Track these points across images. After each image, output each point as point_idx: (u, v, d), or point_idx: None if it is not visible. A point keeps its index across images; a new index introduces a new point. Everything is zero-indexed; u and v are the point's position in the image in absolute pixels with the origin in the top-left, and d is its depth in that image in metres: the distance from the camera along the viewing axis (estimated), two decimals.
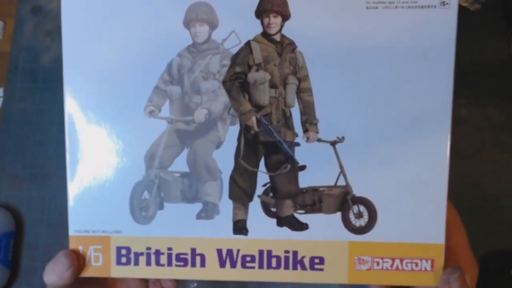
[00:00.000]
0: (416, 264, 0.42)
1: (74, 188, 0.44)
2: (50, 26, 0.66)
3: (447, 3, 0.41)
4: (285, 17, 0.43)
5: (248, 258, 0.44)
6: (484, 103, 0.62)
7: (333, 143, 0.43)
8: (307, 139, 0.43)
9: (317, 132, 0.43)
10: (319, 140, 0.43)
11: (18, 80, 0.64)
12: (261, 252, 0.44)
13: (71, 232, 0.45)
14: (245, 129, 0.44)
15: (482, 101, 0.62)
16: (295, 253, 0.43)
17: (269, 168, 0.44)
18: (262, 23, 0.43)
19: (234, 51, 0.43)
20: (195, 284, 0.59)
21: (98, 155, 0.44)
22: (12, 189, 0.62)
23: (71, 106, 0.44)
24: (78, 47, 0.44)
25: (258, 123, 0.44)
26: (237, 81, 0.43)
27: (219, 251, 0.44)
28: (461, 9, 0.62)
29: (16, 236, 0.60)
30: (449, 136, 0.42)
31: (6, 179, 0.63)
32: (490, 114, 0.61)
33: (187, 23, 0.43)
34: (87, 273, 0.44)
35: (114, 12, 0.43)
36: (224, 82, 0.43)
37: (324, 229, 0.43)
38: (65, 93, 0.44)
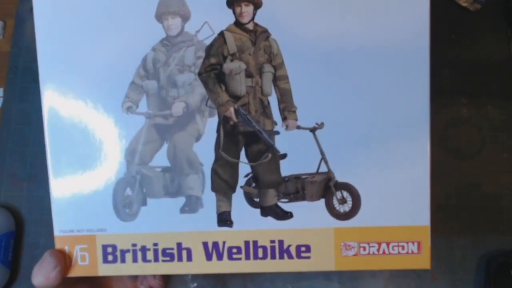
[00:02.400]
0: (403, 247, 0.42)
1: (56, 188, 0.44)
2: None
3: None
4: (257, 5, 0.42)
5: (234, 250, 0.43)
6: (484, 103, 0.61)
7: (312, 130, 0.42)
8: (286, 127, 0.43)
9: (296, 120, 0.42)
10: (298, 127, 0.42)
11: (18, 80, 0.64)
12: (247, 243, 0.43)
13: (56, 232, 0.45)
14: (223, 121, 0.43)
15: (482, 101, 0.61)
16: (281, 242, 0.43)
17: (250, 158, 0.44)
18: (234, 12, 0.43)
19: (208, 42, 0.43)
20: (195, 284, 0.59)
21: (78, 154, 0.44)
22: (12, 189, 0.62)
23: (49, 106, 0.44)
24: (52, 45, 0.43)
25: (237, 114, 0.43)
26: (212, 72, 0.43)
27: (205, 244, 0.44)
28: (461, 9, 0.62)
29: (16, 236, 0.60)
30: (428, 117, 0.41)
31: (6, 179, 0.62)
32: (490, 114, 0.61)
33: (159, 17, 0.43)
34: (74, 273, 0.44)
35: (86, 9, 0.43)
36: (200, 74, 0.43)
37: (308, 217, 0.43)
38: (42, 92, 0.44)
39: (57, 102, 0.44)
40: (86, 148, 0.44)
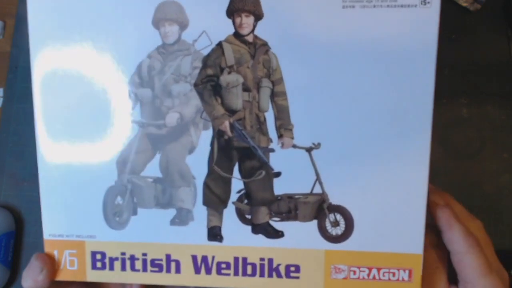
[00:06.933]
0: (394, 274, 0.41)
1: (46, 192, 0.44)
2: None
3: (428, 2, 0.38)
4: (258, 16, 0.40)
5: (223, 265, 0.43)
6: (484, 103, 0.60)
7: (308, 150, 0.41)
8: (282, 145, 0.41)
9: (292, 138, 0.41)
10: (294, 146, 0.41)
11: (18, 80, 0.64)
12: (236, 259, 0.43)
13: (45, 236, 0.44)
14: (218, 134, 0.42)
15: (482, 101, 0.60)
16: (270, 261, 0.42)
17: (244, 174, 0.43)
18: (233, 23, 0.41)
19: (206, 52, 0.41)
20: None
21: (69, 159, 0.43)
22: (12, 189, 0.63)
23: (41, 111, 0.43)
24: (45, 50, 0.42)
25: (232, 128, 0.42)
26: (209, 84, 0.42)
27: (194, 258, 0.43)
28: (461, 9, 0.61)
29: (16, 236, 0.61)
30: (429, 143, 0.40)
31: (6, 179, 0.63)
32: (490, 114, 0.60)
33: (156, 23, 0.41)
34: (62, 277, 0.44)
35: (81, 12, 0.42)
36: (196, 85, 0.42)
37: (300, 237, 0.42)
38: (34, 98, 0.43)
39: (48, 107, 0.43)
40: (77, 153, 0.43)
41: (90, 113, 0.42)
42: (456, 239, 0.40)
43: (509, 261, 0.54)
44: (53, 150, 0.43)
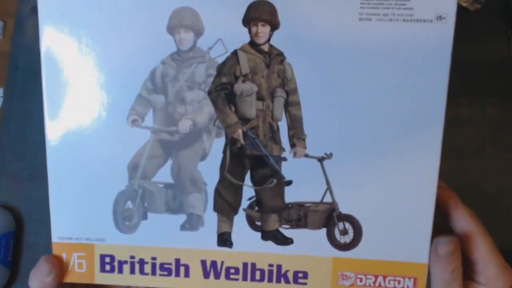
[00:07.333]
0: (399, 282, 0.42)
1: (55, 195, 0.44)
2: None
3: (444, 18, 0.39)
4: (274, 26, 0.40)
5: (232, 270, 0.43)
6: (484, 103, 0.61)
7: (320, 160, 0.41)
8: (294, 154, 0.42)
9: (305, 148, 0.42)
10: (306, 155, 0.42)
11: (18, 80, 0.63)
12: (245, 265, 0.43)
13: (54, 239, 0.44)
14: (231, 142, 0.42)
15: (482, 101, 0.61)
16: (279, 267, 0.43)
17: (255, 182, 0.43)
18: (249, 31, 0.41)
19: (220, 60, 0.41)
20: None
21: (79, 163, 0.43)
22: (12, 189, 0.63)
23: (52, 111, 0.42)
24: (58, 55, 0.42)
25: (245, 136, 0.42)
26: (223, 92, 0.42)
27: (203, 262, 0.44)
28: (461, 9, 0.61)
29: (16, 236, 0.60)
30: (439, 156, 0.41)
31: (6, 179, 0.63)
32: (490, 114, 0.61)
33: (171, 29, 0.41)
34: (70, 279, 0.44)
35: (93, 17, 0.41)
36: (209, 93, 0.42)
37: (308, 244, 0.43)
38: (44, 100, 0.42)
39: (59, 110, 0.42)
40: (88, 157, 0.43)
41: (102, 117, 0.42)
42: (467, 219, 0.41)
43: (509, 261, 0.56)
44: (63, 153, 0.43)
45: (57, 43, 0.42)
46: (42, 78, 0.42)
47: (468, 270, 0.42)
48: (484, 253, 0.41)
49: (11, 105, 0.63)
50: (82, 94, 0.42)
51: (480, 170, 0.60)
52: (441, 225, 0.42)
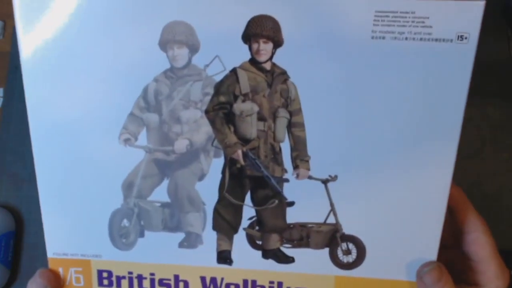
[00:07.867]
0: None
1: (48, 212, 0.42)
2: None
3: (465, 38, 0.35)
4: (277, 43, 0.37)
5: (232, 287, 0.43)
6: (484, 103, 0.60)
7: (325, 182, 0.40)
8: (297, 176, 0.40)
9: (308, 169, 0.39)
10: (310, 177, 0.40)
11: (18, 80, 0.62)
12: (245, 282, 0.43)
13: (49, 254, 0.43)
14: (230, 162, 0.40)
15: (482, 101, 0.60)
16: (280, 284, 0.43)
17: (256, 202, 0.41)
18: (250, 48, 0.37)
19: (218, 78, 0.38)
20: None
21: (72, 181, 0.41)
22: (12, 189, 0.62)
23: (41, 128, 0.40)
24: (44, 68, 0.38)
25: (245, 157, 0.40)
26: (221, 111, 0.39)
27: (203, 279, 0.43)
28: None
29: (16, 236, 0.60)
30: (450, 180, 0.39)
31: (6, 179, 0.62)
32: (490, 114, 0.60)
33: (164, 45, 0.37)
34: None
35: (84, 30, 0.37)
36: (207, 112, 0.39)
37: (310, 262, 0.42)
38: (31, 126, 0.39)
39: (51, 127, 0.40)
40: (81, 176, 0.41)
41: (94, 134, 0.40)
42: (473, 218, 0.41)
43: (509, 261, 0.56)
44: (54, 171, 0.41)
45: (42, 58, 0.38)
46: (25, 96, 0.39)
47: (465, 274, 0.42)
48: (487, 253, 0.41)
49: (11, 105, 0.62)
50: (73, 112, 0.39)
51: (480, 170, 0.60)
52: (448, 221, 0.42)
